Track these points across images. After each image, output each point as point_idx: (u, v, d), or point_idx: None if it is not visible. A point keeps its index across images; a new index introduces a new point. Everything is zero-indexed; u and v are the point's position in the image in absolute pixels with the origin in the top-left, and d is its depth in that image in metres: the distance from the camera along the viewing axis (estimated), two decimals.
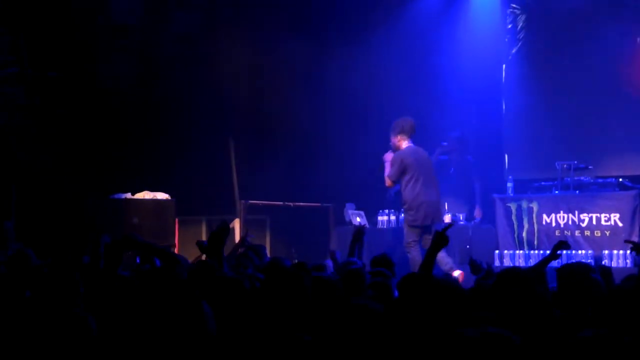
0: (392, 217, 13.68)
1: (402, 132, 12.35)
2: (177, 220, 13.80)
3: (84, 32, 13.77)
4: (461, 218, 13.51)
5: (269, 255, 9.64)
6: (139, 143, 14.63)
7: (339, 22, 15.03)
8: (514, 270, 5.52)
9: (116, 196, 13.40)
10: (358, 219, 13.74)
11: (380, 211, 13.83)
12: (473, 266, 8.42)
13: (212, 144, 14.89)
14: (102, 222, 12.97)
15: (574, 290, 5.81)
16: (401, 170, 12.21)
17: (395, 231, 13.50)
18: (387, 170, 12.36)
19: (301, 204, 14.95)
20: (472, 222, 13.56)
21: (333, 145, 14.94)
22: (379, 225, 13.79)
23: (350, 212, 13.94)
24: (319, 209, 14.97)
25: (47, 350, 4.24)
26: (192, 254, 13.75)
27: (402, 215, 12.83)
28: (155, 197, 13.53)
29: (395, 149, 12.39)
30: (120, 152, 14.40)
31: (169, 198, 13.60)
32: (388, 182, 12.37)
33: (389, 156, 12.44)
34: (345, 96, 14.88)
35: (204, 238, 14.72)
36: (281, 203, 14.86)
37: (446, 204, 13.77)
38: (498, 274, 5.43)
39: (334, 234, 14.13)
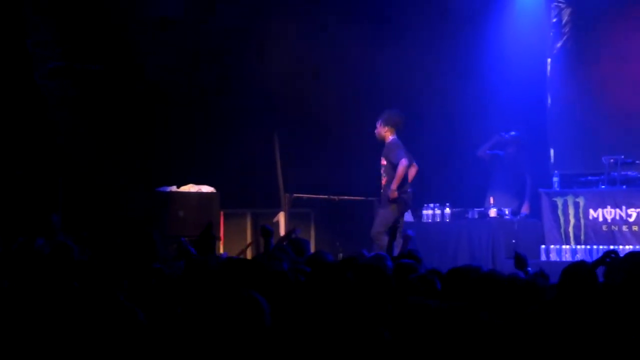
0: (437, 211, 13.60)
1: (393, 125, 12.45)
2: (222, 213, 13.86)
3: (130, 24, 13.84)
4: (506, 212, 13.42)
5: (313, 249, 9.66)
6: (184, 136, 14.69)
7: (385, 15, 15.00)
8: (581, 264, 5.66)
9: (161, 189, 13.45)
10: None
11: (425, 205, 13.76)
12: (518, 260, 8.38)
13: (257, 137, 14.90)
14: (148, 214, 13.06)
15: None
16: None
17: (441, 225, 13.46)
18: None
19: (345, 197, 14.94)
20: (518, 217, 13.47)
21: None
22: (424, 219, 13.72)
23: None
24: (364, 202, 14.94)
25: (98, 339, 4.27)
26: (236, 248, 13.85)
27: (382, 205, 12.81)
28: (200, 190, 13.56)
29: (380, 139, 12.51)
30: (166, 145, 14.47)
31: (214, 191, 13.63)
32: (405, 163, 12.31)
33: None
34: (389, 88, 14.83)
35: (249, 232, 14.82)
36: (326, 196, 14.86)
37: (492, 198, 13.70)
38: (564, 270, 5.56)
39: None
